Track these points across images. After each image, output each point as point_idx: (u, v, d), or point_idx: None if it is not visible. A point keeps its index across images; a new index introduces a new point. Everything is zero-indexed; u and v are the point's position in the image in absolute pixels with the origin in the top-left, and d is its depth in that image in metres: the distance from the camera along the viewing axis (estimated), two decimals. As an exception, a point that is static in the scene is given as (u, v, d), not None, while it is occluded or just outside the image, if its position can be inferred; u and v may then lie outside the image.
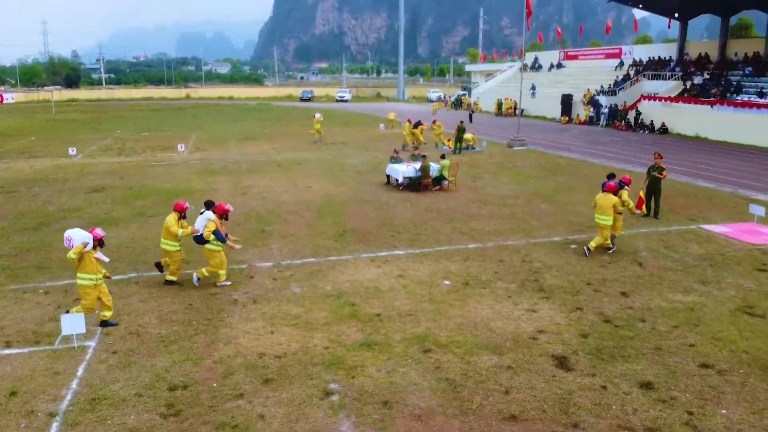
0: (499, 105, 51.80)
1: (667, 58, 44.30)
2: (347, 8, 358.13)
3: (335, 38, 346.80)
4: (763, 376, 7.27)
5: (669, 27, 45.50)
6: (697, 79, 38.62)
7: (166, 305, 9.52)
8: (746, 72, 36.64)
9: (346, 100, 78.88)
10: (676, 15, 43.16)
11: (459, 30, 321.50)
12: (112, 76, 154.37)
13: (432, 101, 76.67)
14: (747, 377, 7.26)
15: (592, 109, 42.30)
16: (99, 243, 8.59)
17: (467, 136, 28.72)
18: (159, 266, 10.52)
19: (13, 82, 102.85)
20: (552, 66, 57.92)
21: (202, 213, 10.12)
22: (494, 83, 62.22)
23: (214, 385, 7.16)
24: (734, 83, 35.67)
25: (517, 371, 7.41)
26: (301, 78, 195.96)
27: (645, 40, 68.56)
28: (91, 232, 8.51)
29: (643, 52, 47.63)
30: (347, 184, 20.24)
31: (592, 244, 12.00)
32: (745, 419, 6.40)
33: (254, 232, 13.88)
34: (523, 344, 8.15)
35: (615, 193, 12.07)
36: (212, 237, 9.88)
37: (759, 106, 31.21)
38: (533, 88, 51.19)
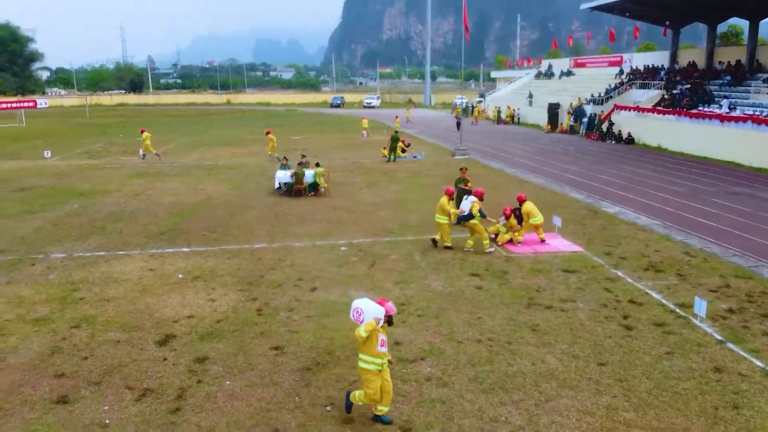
0: (498, 113, 52.26)
1: (660, 66, 43.42)
2: (414, 13, 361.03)
3: (402, 43, 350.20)
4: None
5: (665, 35, 44.54)
6: (679, 89, 37.81)
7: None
8: (725, 81, 35.67)
9: (373, 106, 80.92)
10: (668, 23, 42.32)
11: (527, 33, 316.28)
12: (179, 81, 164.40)
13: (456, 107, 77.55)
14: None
15: (572, 118, 42.19)
16: (388, 320, 7.10)
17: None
18: (434, 242, 14.10)
19: (69, 86, 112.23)
20: (562, 73, 57.58)
21: (466, 198, 14.00)
22: (506, 91, 62.44)
23: None
24: (708, 93, 34.80)
25: (119, 344, 9.12)
26: (360, 84, 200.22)
27: (648, 48, 66.43)
28: (382, 304, 7.06)
29: (641, 61, 46.77)
30: (244, 188, 22.21)
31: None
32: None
33: (93, 228, 16.12)
34: (161, 325, 9.80)
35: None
36: (478, 214, 13.43)
37: (711, 117, 30.56)
38: (530, 96, 51.29)
